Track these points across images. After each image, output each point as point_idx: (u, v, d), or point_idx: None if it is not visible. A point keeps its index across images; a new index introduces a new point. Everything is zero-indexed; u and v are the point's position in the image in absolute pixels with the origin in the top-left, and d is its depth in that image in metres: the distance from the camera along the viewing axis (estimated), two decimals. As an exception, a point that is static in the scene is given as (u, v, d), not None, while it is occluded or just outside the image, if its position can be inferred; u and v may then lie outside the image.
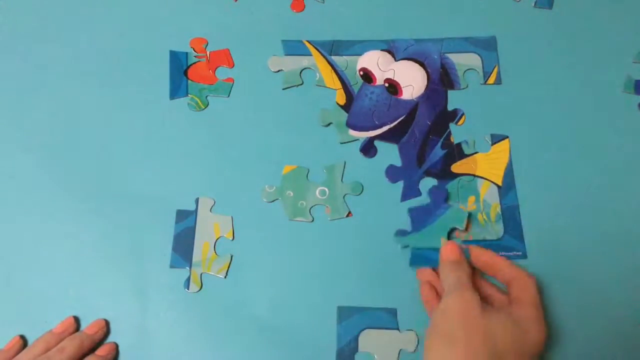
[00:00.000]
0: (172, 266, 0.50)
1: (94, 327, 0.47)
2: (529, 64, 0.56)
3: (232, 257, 0.50)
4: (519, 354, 0.40)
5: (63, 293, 0.49)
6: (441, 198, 0.51)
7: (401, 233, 0.50)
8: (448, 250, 0.46)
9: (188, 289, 0.49)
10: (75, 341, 0.46)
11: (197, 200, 0.52)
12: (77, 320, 0.48)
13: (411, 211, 0.51)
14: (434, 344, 0.41)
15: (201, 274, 0.49)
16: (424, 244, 0.49)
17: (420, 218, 0.50)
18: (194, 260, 0.50)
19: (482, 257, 0.46)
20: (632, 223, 0.50)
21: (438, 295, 0.47)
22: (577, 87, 0.55)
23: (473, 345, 0.39)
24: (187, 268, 0.50)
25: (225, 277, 0.49)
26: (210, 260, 0.50)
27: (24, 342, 0.48)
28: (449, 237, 0.49)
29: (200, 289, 0.49)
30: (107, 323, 0.48)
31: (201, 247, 0.50)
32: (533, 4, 0.58)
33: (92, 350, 0.47)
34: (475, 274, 0.47)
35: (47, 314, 0.48)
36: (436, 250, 0.48)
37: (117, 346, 0.48)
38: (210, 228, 0.51)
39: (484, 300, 0.43)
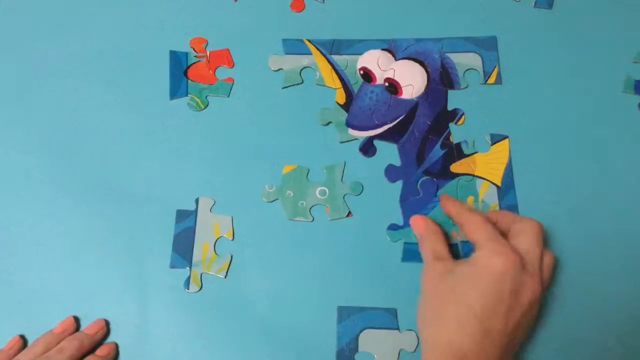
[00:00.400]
0: (172, 266, 0.50)
1: (94, 327, 0.47)
2: (529, 64, 0.56)
3: (232, 257, 0.50)
4: (484, 293, 0.40)
5: (63, 293, 0.49)
6: (432, 191, 0.51)
7: (393, 227, 0.50)
8: (412, 227, 0.48)
9: (188, 289, 0.49)
10: (75, 341, 0.46)
11: (197, 200, 0.52)
12: (77, 320, 0.48)
13: (403, 205, 0.51)
14: (419, 329, 0.44)
15: (201, 274, 0.49)
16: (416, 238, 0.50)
17: (412, 212, 0.51)
18: (194, 260, 0.50)
19: (450, 210, 0.48)
20: (632, 223, 0.50)
21: None
22: (577, 87, 0.55)
23: (443, 318, 0.41)
24: (187, 268, 0.50)
25: (225, 277, 0.49)
26: (210, 260, 0.50)
27: (24, 342, 0.48)
28: None
29: (200, 289, 0.49)
30: (107, 323, 0.48)
31: (201, 247, 0.50)
32: (533, 4, 0.58)
33: (92, 350, 0.47)
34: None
35: (47, 314, 0.48)
36: None
37: (117, 346, 0.48)
38: (210, 228, 0.51)
39: None
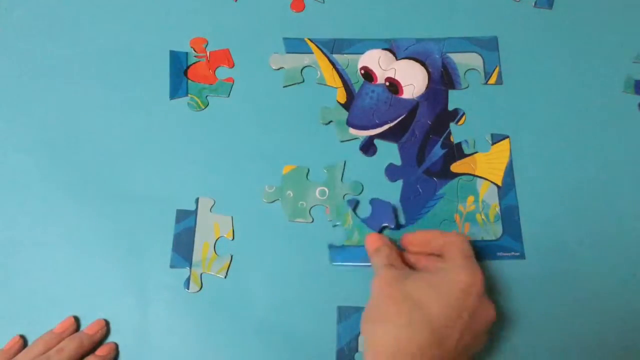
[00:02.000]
0: (172, 266, 0.50)
1: (94, 327, 0.47)
2: (530, 64, 0.56)
3: (232, 257, 0.50)
4: (446, 303, 0.40)
5: (63, 293, 0.49)
6: (431, 189, 0.51)
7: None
8: (367, 243, 0.47)
9: (188, 289, 0.49)
10: (75, 341, 0.46)
11: (197, 200, 0.52)
12: (77, 320, 0.48)
13: (404, 204, 0.51)
14: (363, 328, 0.43)
15: (201, 274, 0.49)
16: None
17: (413, 210, 0.51)
18: (194, 260, 0.50)
19: (414, 240, 0.47)
20: (632, 223, 0.50)
21: None
22: (578, 87, 0.55)
23: (392, 318, 0.40)
24: (187, 268, 0.50)
25: (225, 277, 0.49)
26: (210, 260, 0.50)
27: (24, 342, 0.48)
28: (440, 228, 0.50)
29: (200, 289, 0.49)
30: (107, 323, 0.48)
31: (201, 247, 0.50)
32: (533, 4, 0.58)
33: (92, 350, 0.47)
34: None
35: (47, 314, 0.48)
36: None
37: (117, 346, 0.48)
38: (210, 228, 0.51)
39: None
